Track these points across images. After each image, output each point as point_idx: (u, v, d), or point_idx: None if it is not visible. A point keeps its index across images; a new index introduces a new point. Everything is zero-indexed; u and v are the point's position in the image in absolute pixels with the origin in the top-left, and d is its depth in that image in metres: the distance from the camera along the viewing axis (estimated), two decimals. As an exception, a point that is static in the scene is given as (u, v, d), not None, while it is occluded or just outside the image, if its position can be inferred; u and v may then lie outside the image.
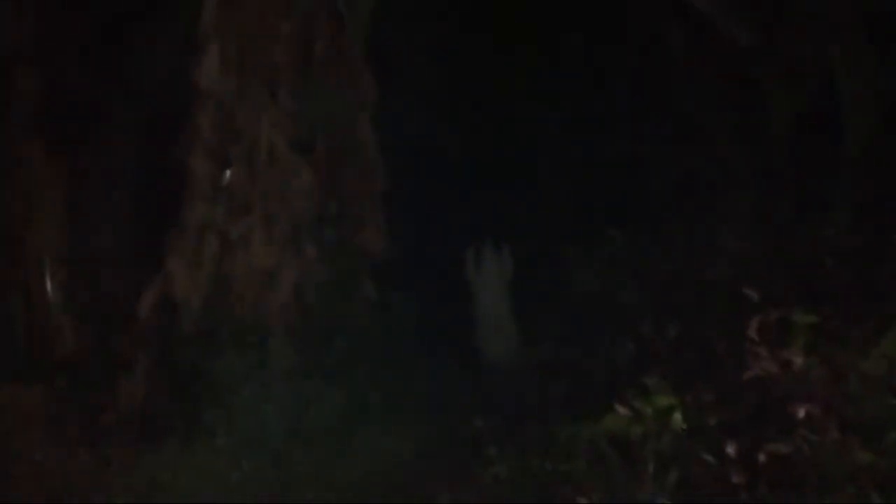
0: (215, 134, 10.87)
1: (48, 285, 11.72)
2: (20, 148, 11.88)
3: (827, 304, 6.89)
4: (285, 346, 10.43)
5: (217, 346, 10.17)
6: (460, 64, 13.35)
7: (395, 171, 11.73)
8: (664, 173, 12.54)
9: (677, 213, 11.05)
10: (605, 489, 6.61)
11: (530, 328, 11.54)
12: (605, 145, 12.86)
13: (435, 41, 13.34)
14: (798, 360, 6.28)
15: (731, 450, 6.21)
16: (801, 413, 6.08)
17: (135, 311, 10.76)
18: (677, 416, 6.45)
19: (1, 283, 11.97)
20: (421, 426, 9.74)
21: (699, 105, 12.44)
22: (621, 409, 6.60)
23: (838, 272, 7.95)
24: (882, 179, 10.56)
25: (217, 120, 10.89)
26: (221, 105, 10.91)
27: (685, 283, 8.88)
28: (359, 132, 11.63)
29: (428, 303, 11.28)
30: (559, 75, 13.13)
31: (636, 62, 12.59)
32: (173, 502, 8.79)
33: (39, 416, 10.37)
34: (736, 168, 12.25)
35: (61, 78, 11.88)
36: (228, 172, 10.91)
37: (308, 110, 11.15)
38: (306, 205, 11.06)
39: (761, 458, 6.05)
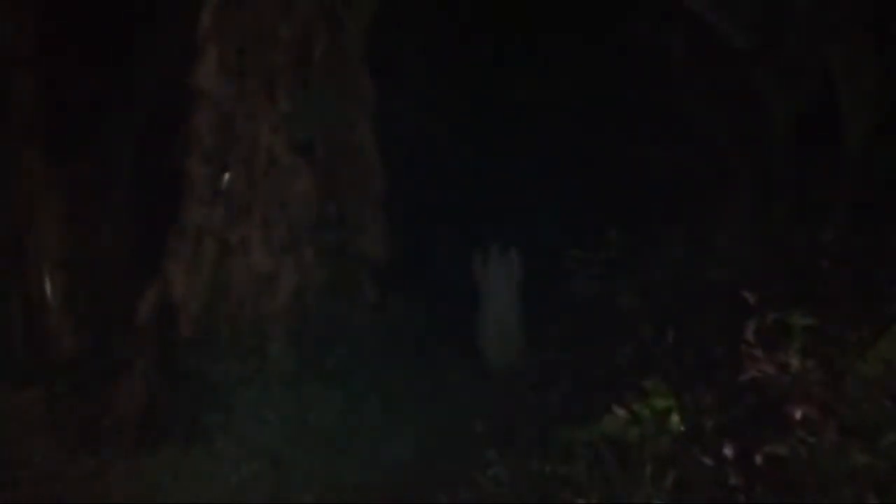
0: (214, 137, 10.85)
1: (47, 289, 11.73)
2: (19, 152, 11.89)
3: (824, 306, 6.90)
4: (284, 350, 10.41)
5: (216, 351, 10.16)
6: (461, 66, 13.35)
7: (395, 174, 11.70)
8: (663, 176, 12.55)
9: (675, 216, 11.05)
10: (603, 491, 6.59)
11: (532, 331, 11.55)
12: (603, 148, 12.87)
13: (435, 43, 13.34)
14: (795, 362, 6.29)
15: (728, 451, 6.21)
16: (799, 415, 6.09)
17: (134, 315, 10.73)
18: (675, 418, 6.47)
19: (0, 287, 11.98)
20: (420, 429, 9.73)
21: (697, 108, 12.46)
22: (619, 412, 6.62)
23: (836, 274, 7.96)
24: (880, 181, 10.58)
25: (215, 123, 10.88)
26: (220, 108, 10.89)
27: (683, 286, 8.92)
28: (358, 135, 11.61)
29: (429, 306, 11.25)
30: (558, 78, 13.14)
31: (634, 65, 12.60)
32: (172, 505, 8.80)
33: (38, 421, 10.37)
34: (734, 170, 12.27)
35: (60, 82, 11.90)
36: (227, 176, 10.89)
37: (307, 113, 11.13)
38: (305, 208, 11.05)
39: (758, 459, 6.05)
